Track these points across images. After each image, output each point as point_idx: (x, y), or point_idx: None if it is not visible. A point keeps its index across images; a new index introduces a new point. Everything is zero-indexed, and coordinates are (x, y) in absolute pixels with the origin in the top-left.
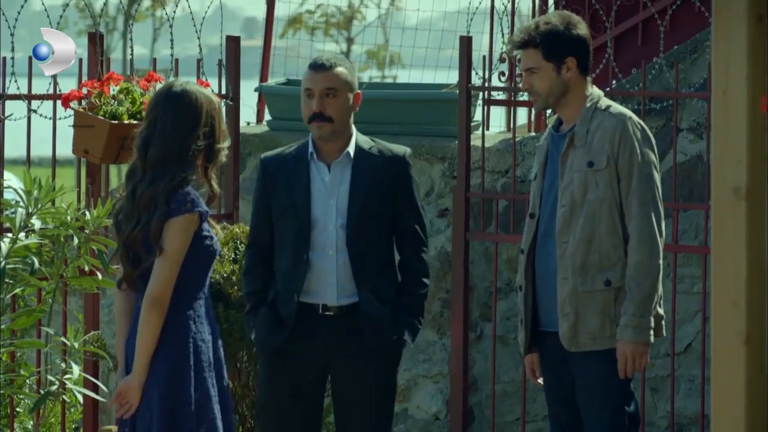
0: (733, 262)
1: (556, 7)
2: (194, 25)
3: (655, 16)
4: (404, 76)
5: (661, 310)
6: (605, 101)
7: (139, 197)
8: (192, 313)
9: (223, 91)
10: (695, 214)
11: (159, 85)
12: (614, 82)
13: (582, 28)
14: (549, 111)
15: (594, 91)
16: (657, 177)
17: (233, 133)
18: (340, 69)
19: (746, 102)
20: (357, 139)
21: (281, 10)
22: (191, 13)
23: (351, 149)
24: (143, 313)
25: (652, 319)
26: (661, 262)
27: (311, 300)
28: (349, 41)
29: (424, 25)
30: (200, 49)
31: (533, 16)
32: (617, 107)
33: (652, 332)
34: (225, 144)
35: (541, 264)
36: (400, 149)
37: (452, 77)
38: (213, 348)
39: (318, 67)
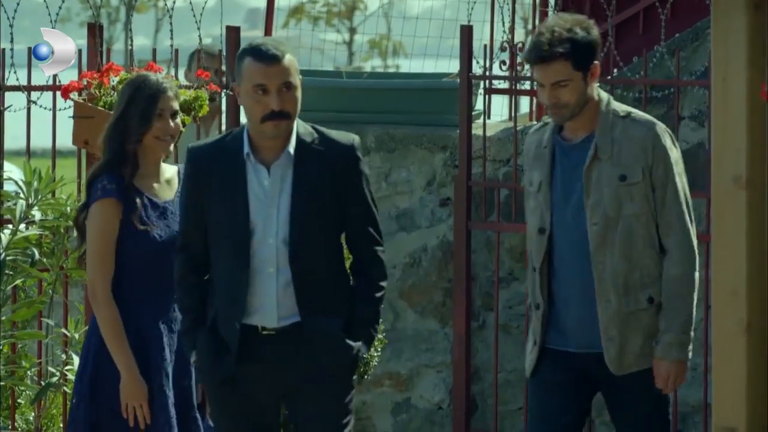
0: (733, 250)
1: None
2: (194, 16)
3: (656, 4)
4: (407, 66)
5: None
6: (620, 106)
7: None
8: (139, 309)
9: (223, 81)
10: (697, 202)
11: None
12: (615, 70)
13: (596, 29)
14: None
15: (601, 94)
16: (686, 183)
17: (233, 123)
18: (290, 57)
19: (746, 90)
20: (298, 130)
21: (283, 0)
22: (191, 3)
23: (292, 146)
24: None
25: (692, 334)
26: (698, 274)
27: (250, 321)
28: (352, 31)
29: (426, 14)
30: (200, 39)
31: (534, 5)
32: (638, 113)
33: (690, 347)
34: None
35: (562, 283)
36: (347, 138)
37: (454, 66)
38: (171, 349)
39: (270, 58)
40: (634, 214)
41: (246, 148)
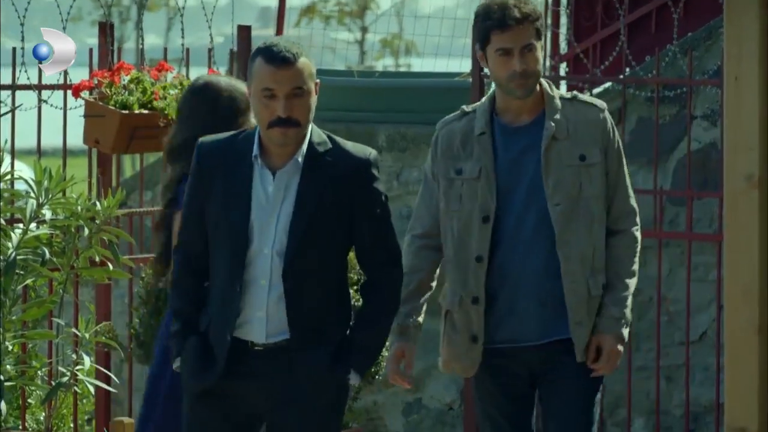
0: (745, 249)
1: None
2: (205, 15)
3: (669, 3)
4: (418, 65)
5: None
6: (559, 91)
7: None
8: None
9: None
10: (709, 202)
11: (170, 75)
12: (627, 69)
13: None
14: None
15: (541, 79)
16: None
17: None
18: (304, 60)
19: (758, 89)
20: (312, 138)
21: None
22: (202, 2)
23: (301, 155)
24: None
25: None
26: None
27: (240, 335)
28: (363, 30)
29: (438, 13)
30: (211, 38)
31: (546, 5)
32: (583, 96)
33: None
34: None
35: (508, 272)
36: (363, 153)
37: (466, 66)
38: None
39: (281, 61)
40: (593, 196)
41: (255, 150)
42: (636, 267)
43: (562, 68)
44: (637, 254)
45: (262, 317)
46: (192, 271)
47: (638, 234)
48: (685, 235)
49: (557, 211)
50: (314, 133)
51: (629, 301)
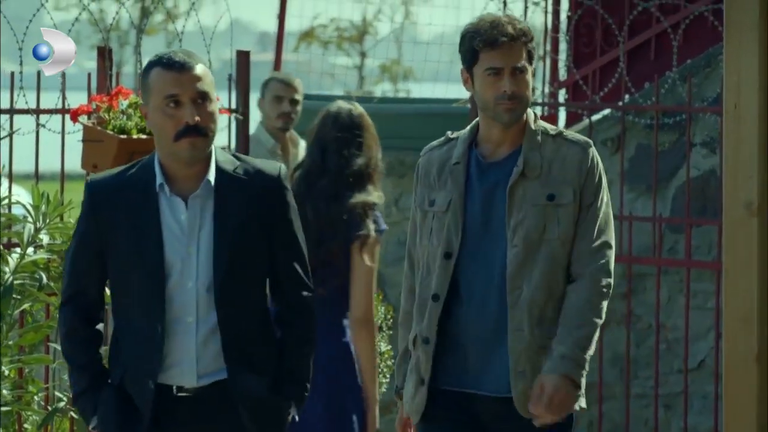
0: (744, 277)
1: (569, 22)
2: (204, 39)
3: (669, 30)
4: (417, 91)
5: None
6: (548, 125)
7: None
8: None
9: (233, 106)
10: (708, 229)
11: None
12: (627, 96)
13: None
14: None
15: (527, 110)
16: (611, 212)
17: (242, 149)
18: (203, 67)
19: (758, 116)
20: (218, 158)
21: (295, 25)
22: (201, 27)
23: (212, 175)
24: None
25: (588, 362)
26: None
27: (165, 380)
28: (362, 55)
29: (438, 39)
30: (210, 63)
31: (545, 31)
32: (570, 133)
33: (585, 374)
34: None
35: (469, 315)
36: (273, 167)
37: (464, 92)
38: None
39: (181, 65)
40: (558, 239)
41: (159, 179)
42: (594, 316)
43: (561, 95)
44: (598, 303)
45: (192, 359)
46: (86, 319)
47: (603, 280)
48: (684, 262)
49: (513, 254)
50: (217, 152)
51: (583, 340)
